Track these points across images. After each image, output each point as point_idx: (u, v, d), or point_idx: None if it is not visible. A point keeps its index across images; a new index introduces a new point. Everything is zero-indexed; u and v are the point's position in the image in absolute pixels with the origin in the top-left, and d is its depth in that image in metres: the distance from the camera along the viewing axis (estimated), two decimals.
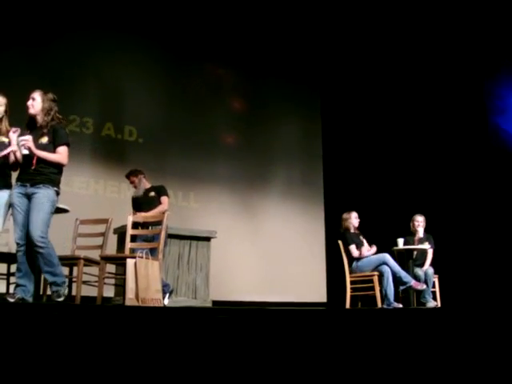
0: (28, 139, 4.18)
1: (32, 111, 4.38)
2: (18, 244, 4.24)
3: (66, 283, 4.31)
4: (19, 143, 4.18)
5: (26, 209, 4.26)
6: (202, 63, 9.34)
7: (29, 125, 4.43)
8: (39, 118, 4.37)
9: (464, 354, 2.66)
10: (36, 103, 4.38)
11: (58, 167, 4.38)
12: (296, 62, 10.20)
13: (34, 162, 4.23)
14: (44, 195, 4.21)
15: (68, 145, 4.41)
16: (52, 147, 4.33)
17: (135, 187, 6.29)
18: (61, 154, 4.34)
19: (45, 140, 4.33)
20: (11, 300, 4.09)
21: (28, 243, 4.19)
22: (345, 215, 6.87)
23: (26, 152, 4.19)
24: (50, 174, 4.29)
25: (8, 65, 7.18)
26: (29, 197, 4.25)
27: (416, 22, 8.62)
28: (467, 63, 8.59)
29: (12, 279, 5.10)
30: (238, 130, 9.64)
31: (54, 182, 4.31)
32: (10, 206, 4.33)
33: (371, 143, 9.72)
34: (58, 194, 4.34)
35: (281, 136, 9.97)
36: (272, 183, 9.71)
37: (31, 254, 4.20)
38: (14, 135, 4.28)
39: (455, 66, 8.72)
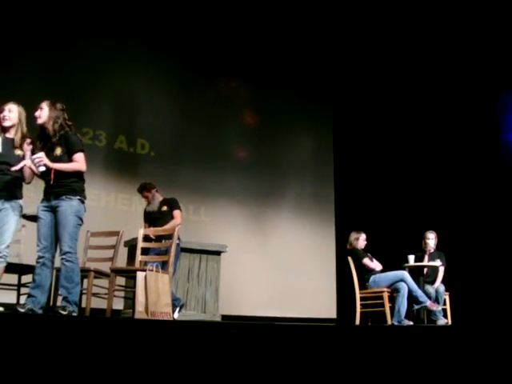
0: (41, 156, 4.16)
1: (40, 121, 4.37)
2: (38, 256, 4.24)
3: (77, 306, 4.28)
4: (34, 161, 4.18)
5: (49, 222, 4.27)
6: (215, 77, 9.40)
7: (40, 136, 4.41)
8: (48, 127, 4.34)
9: (475, 373, 2.64)
10: (43, 113, 4.36)
11: (78, 175, 4.36)
12: (308, 76, 10.24)
13: (52, 176, 4.23)
14: (67, 208, 4.21)
15: (82, 150, 4.38)
16: (67, 157, 4.31)
17: (149, 202, 6.29)
18: (78, 162, 4.32)
19: (58, 152, 4.31)
20: (21, 310, 4.09)
21: (48, 257, 4.22)
22: (354, 235, 6.86)
23: (43, 169, 4.19)
24: (71, 184, 4.28)
25: (22, 77, 7.27)
26: (53, 210, 4.26)
27: (429, 37, 8.62)
28: (480, 79, 8.58)
29: (22, 290, 5.13)
30: (249, 144, 9.67)
31: (77, 191, 4.29)
32: (36, 218, 4.35)
33: (383, 158, 9.71)
34: (82, 202, 4.32)
35: (292, 150, 9.98)
36: (283, 198, 9.71)
37: (48, 268, 4.22)
38: (28, 148, 4.30)
39: (468, 82, 8.71)
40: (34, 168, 4.27)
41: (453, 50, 8.64)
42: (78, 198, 4.29)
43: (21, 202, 4.37)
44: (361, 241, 6.80)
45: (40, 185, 6.47)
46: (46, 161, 4.18)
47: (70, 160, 4.32)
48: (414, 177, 9.18)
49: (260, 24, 9.02)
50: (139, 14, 8.44)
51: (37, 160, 4.15)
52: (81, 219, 4.31)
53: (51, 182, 4.24)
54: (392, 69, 9.47)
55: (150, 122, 8.54)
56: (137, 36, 8.47)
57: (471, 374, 2.65)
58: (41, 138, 4.42)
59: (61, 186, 4.26)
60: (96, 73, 8.07)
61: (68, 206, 4.22)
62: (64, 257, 4.17)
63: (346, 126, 10.36)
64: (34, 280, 4.23)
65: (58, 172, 4.25)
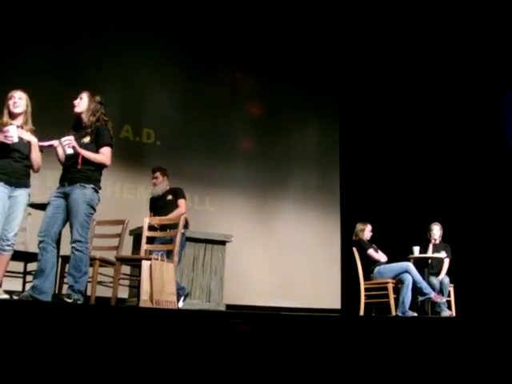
0: (71, 139, 4.20)
1: (77, 110, 4.42)
2: (38, 240, 4.21)
3: (83, 296, 4.28)
4: (63, 143, 4.19)
5: (57, 206, 4.26)
6: (222, 68, 9.37)
7: (75, 125, 4.48)
8: (84, 118, 4.40)
9: (478, 364, 2.64)
10: (82, 102, 4.42)
11: (98, 165, 4.37)
12: (314, 67, 10.19)
13: (80, 160, 4.25)
14: (79, 196, 4.20)
15: (111, 145, 4.43)
16: (94, 147, 4.34)
17: (154, 184, 6.30)
18: (104, 155, 4.36)
19: (87, 139, 4.35)
20: (15, 298, 4.11)
21: (47, 241, 4.21)
22: (360, 226, 6.87)
23: (71, 151, 4.21)
24: (87, 171, 4.28)
25: (28, 66, 7.25)
26: (66, 196, 4.26)
27: (435, 33, 8.57)
28: (486, 75, 8.54)
29: (28, 278, 5.15)
30: (255, 134, 9.65)
31: (91, 179, 4.29)
32: (47, 205, 4.36)
33: (389, 150, 9.68)
34: (96, 191, 4.32)
35: (298, 142, 9.96)
36: (288, 189, 9.69)
37: (48, 252, 4.20)
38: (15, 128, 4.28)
39: (474, 78, 8.67)
40: (59, 151, 4.30)
41: (461, 45, 8.58)
42: (92, 186, 4.29)
43: (29, 190, 4.38)
44: (366, 232, 6.81)
45: (45, 173, 6.49)
46: (75, 144, 4.21)
47: (97, 151, 4.35)
48: (420, 169, 9.16)
49: (266, 15, 8.98)
50: (145, 3, 8.41)
51: (66, 142, 4.17)
52: (93, 208, 4.31)
53: (78, 167, 4.25)
54: (398, 61, 9.43)
55: (155, 111, 8.52)
56: (143, 26, 8.43)
57: (475, 365, 2.66)
58: (74, 127, 4.47)
59: (77, 171, 4.26)
60: (102, 62, 8.03)
61: (81, 193, 4.22)
62: (74, 245, 4.17)
63: (351, 117, 10.32)
64: (37, 266, 4.23)
65: (84, 159, 4.26)
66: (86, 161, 4.28)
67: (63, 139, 4.20)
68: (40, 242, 4.20)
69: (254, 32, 9.36)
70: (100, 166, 4.40)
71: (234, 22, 9.08)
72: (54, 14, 7.70)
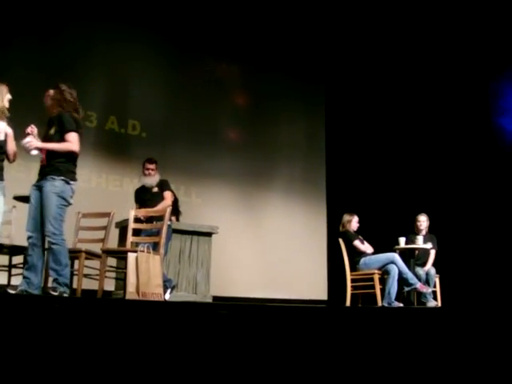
0: (30, 140, 4.18)
1: (47, 108, 4.48)
2: (27, 235, 4.25)
3: (68, 288, 4.26)
4: (24, 146, 4.16)
5: (37, 201, 4.27)
6: (207, 58, 9.33)
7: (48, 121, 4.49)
8: (49, 109, 4.45)
9: (463, 354, 2.66)
10: (47, 100, 4.48)
11: (68, 156, 4.31)
12: (301, 57, 10.17)
13: (44, 156, 4.23)
14: (49, 189, 4.19)
15: (74, 131, 4.33)
16: (59, 136, 4.30)
17: (148, 174, 6.22)
18: (69, 142, 4.29)
19: (52, 131, 4.32)
20: (12, 292, 4.09)
21: (37, 236, 4.20)
22: (347, 217, 6.89)
23: (35, 153, 4.18)
24: (57, 164, 4.25)
25: (11, 58, 7.17)
26: (40, 190, 4.26)
27: (421, 22, 8.58)
28: (472, 64, 8.57)
29: (14, 271, 5.13)
30: (241, 125, 9.63)
31: (62, 172, 4.26)
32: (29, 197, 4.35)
33: (375, 141, 9.70)
34: (67, 182, 4.28)
35: (284, 132, 9.96)
36: (274, 180, 9.70)
37: (39, 247, 4.21)
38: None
39: (460, 67, 8.69)
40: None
41: (446, 34, 8.60)
42: (62, 178, 4.25)
43: (3, 183, 4.33)
44: (353, 223, 6.83)
45: (30, 166, 6.43)
46: (35, 143, 4.18)
47: (62, 140, 4.29)
48: (407, 159, 9.18)
49: (251, 4, 8.93)
50: None
51: (27, 145, 4.14)
52: (65, 200, 4.27)
53: (45, 163, 4.24)
54: (384, 51, 9.43)
55: (141, 102, 8.48)
56: (127, 17, 8.36)
57: (460, 355, 2.68)
58: (48, 123, 4.46)
59: (48, 166, 4.26)
60: (87, 54, 7.98)
61: (51, 186, 4.21)
62: (49, 239, 4.17)
63: (338, 108, 10.32)
64: (26, 261, 4.22)
65: (49, 152, 4.23)
66: (53, 153, 4.25)
67: (23, 142, 4.16)
68: (29, 237, 4.23)
69: (239, 22, 9.30)
70: (70, 156, 4.33)
71: (219, 12, 9.02)
72: (39, 6, 7.61)
